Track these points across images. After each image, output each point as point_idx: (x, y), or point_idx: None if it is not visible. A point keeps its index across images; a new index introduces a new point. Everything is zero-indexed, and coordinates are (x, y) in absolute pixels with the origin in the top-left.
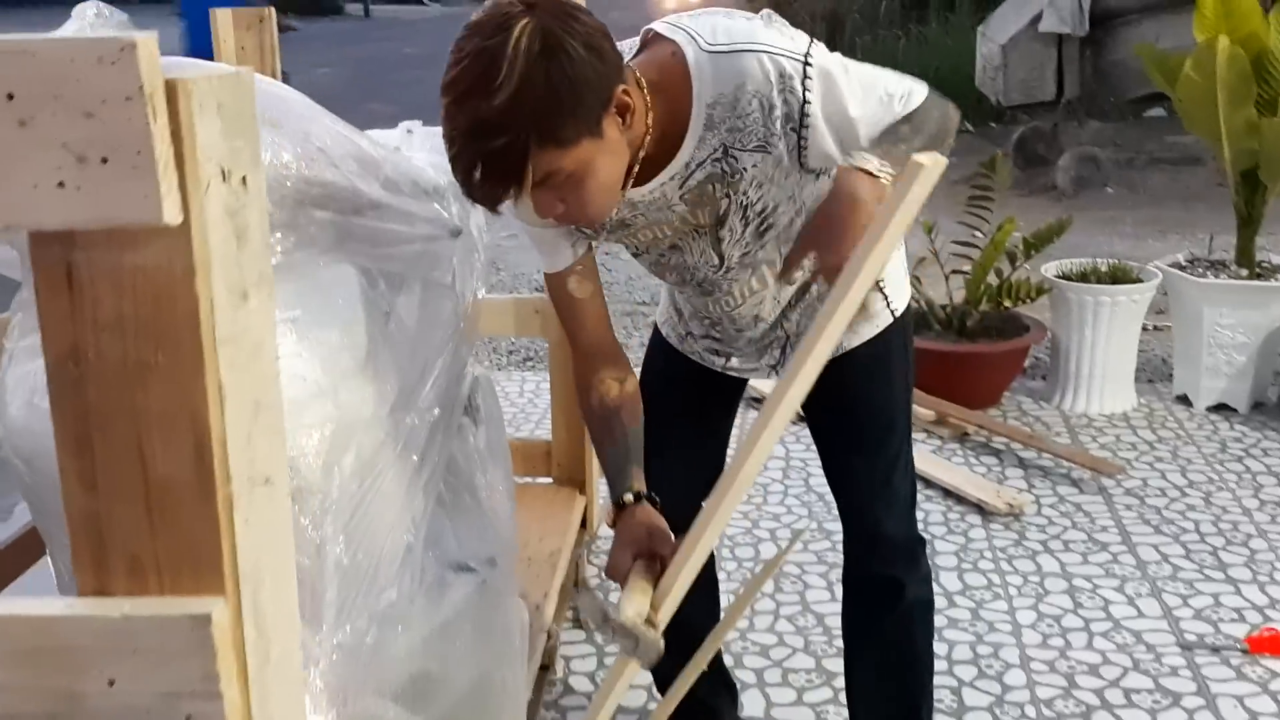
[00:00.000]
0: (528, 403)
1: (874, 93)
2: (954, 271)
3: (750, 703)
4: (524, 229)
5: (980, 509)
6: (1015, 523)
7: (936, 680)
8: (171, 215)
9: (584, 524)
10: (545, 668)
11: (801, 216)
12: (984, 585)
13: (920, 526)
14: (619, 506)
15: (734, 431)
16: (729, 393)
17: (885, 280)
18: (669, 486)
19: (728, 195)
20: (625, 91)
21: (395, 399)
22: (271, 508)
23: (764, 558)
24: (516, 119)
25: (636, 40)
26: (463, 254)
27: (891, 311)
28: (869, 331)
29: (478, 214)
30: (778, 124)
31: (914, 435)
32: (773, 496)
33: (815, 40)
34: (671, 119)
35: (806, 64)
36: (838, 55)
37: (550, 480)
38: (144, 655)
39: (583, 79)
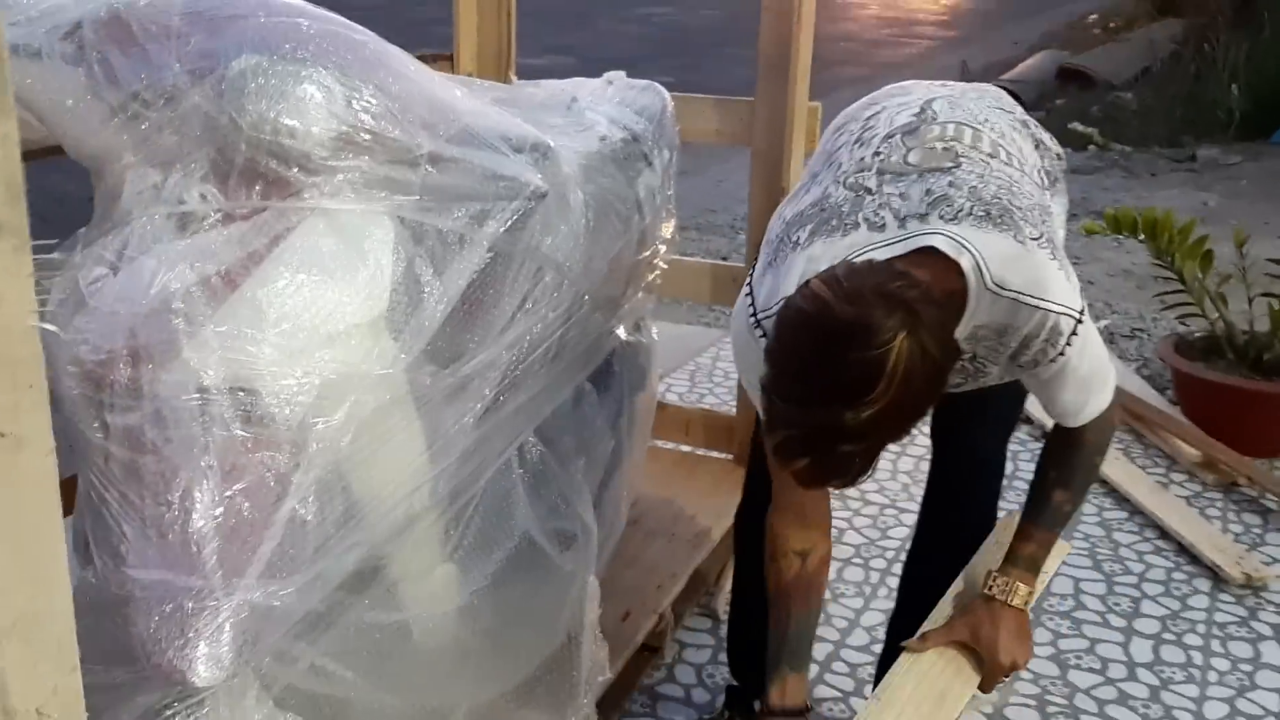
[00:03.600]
0: (724, 375)
1: (1090, 389)
2: (1263, 294)
3: None
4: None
5: (1215, 574)
6: (1251, 598)
7: None
8: None
9: None
10: (653, 650)
11: None
12: (1180, 663)
13: (1134, 581)
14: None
15: None
16: None
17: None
18: None
19: (965, 381)
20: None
21: (419, 359)
22: (11, 463)
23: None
24: (877, 431)
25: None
26: (578, 219)
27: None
28: None
29: (652, 175)
30: (1024, 357)
31: (1175, 476)
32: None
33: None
34: None
35: (1079, 323)
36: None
37: (730, 457)
38: None
39: (940, 384)
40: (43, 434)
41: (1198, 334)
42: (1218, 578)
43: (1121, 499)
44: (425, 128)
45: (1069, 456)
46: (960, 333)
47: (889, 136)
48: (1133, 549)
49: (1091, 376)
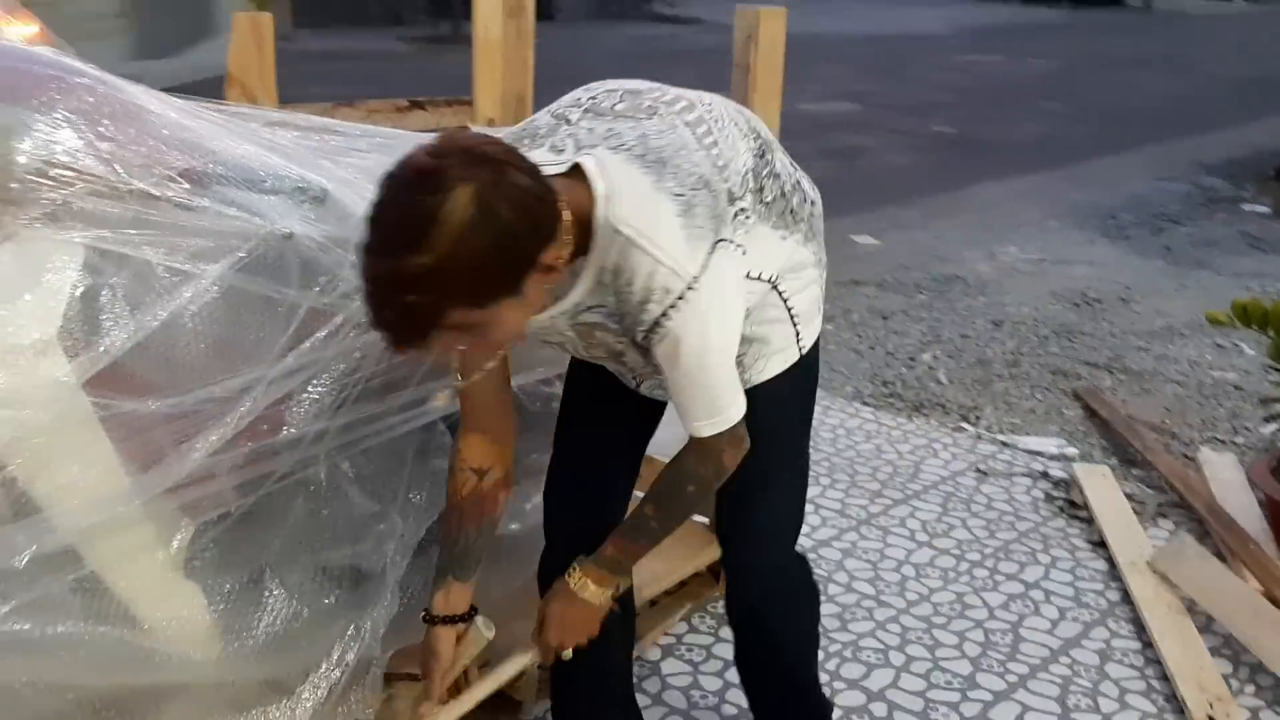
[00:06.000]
0: None
1: (701, 385)
2: None
3: None
4: None
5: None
6: None
7: None
8: None
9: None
10: (516, 703)
11: None
12: None
13: (1088, 703)
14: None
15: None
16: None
17: (798, 315)
18: (574, 457)
19: (623, 339)
20: (554, 255)
21: (116, 382)
22: None
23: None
24: (438, 283)
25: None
26: None
27: (799, 348)
28: (776, 367)
29: None
30: (641, 326)
31: None
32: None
33: (713, 266)
34: (573, 255)
35: (689, 289)
36: (720, 321)
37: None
38: None
39: (512, 251)
40: None
41: None
42: (1182, 713)
43: (1141, 627)
44: (144, 167)
45: (668, 475)
46: (589, 274)
47: (612, 91)
48: (1119, 684)
49: (706, 368)
